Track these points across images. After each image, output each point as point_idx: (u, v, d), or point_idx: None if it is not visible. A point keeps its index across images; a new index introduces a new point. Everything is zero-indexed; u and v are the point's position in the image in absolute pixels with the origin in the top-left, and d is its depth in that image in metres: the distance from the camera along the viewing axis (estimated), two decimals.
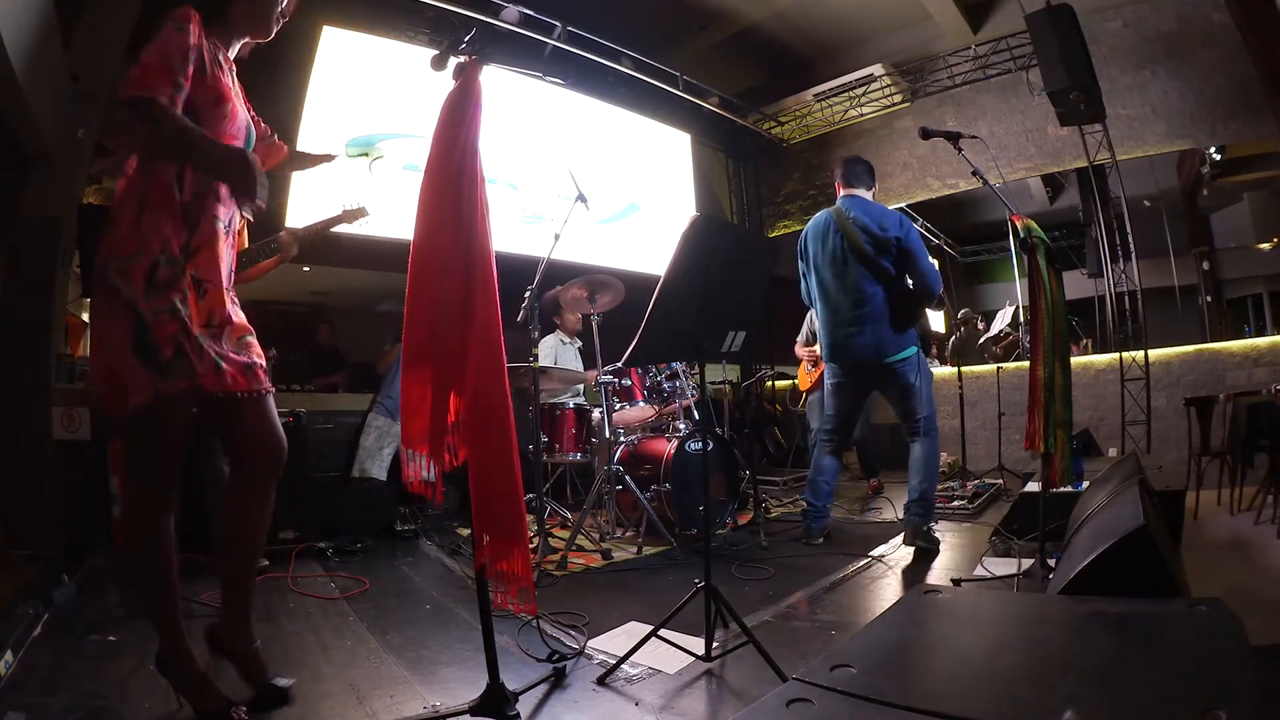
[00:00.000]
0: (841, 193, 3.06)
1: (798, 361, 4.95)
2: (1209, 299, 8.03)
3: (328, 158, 2.06)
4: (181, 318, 1.37)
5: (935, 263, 3.00)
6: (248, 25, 1.59)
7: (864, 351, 2.86)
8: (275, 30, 1.65)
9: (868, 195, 3.03)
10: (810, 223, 3.11)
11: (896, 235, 2.82)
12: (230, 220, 1.55)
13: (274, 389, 1.59)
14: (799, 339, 4.85)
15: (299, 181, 4.07)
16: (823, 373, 3.45)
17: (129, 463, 1.45)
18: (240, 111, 1.57)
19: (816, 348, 4.36)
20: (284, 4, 1.63)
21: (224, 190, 1.49)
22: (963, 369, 5.10)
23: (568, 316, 4.24)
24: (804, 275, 3.15)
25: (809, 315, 4.73)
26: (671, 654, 1.72)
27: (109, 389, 1.36)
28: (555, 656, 1.72)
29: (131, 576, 1.47)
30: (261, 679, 1.52)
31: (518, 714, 1.41)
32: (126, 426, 1.40)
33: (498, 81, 5.01)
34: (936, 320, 8.82)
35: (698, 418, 3.61)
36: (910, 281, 2.88)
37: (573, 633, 1.94)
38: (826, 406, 3.16)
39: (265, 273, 2.62)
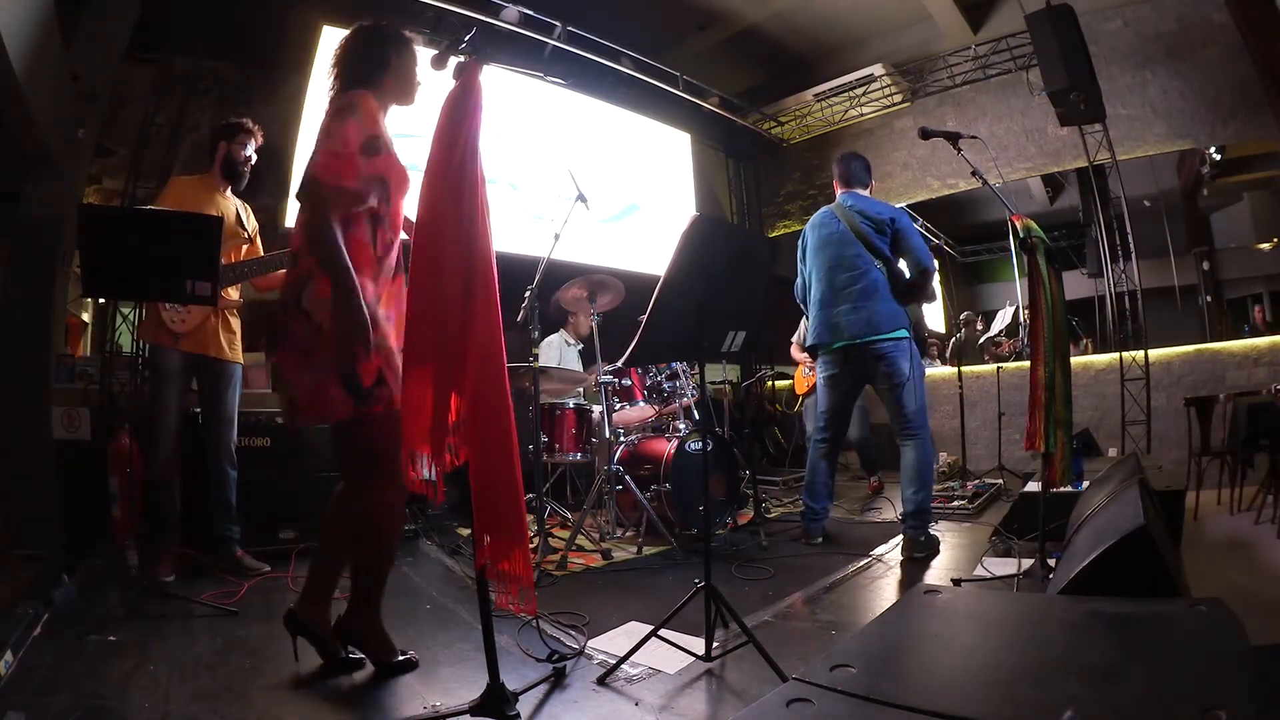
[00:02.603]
0: (840, 191, 3.13)
1: (795, 363, 4.94)
2: (1209, 299, 8.03)
3: None
4: (383, 353, 1.61)
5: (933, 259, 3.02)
6: (395, 94, 1.78)
7: (857, 327, 2.85)
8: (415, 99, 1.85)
9: (865, 193, 3.10)
10: (810, 219, 3.18)
11: (891, 216, 2.94)
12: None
13: None
14: (795, 338, 4.84)
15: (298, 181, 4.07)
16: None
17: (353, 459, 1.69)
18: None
19: None
20: (418, 75, 1.83)
21: (399, 244, 1.75)
22: (963, 369, 5.10)
23: (580, 320, 4.21)
24: (801, 270, 3.18)
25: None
26: (671, 654, 1.72)
27: (318, 404, 1.58)
28: (555, 656, 1.72)
29: (361, 553, 1.70)
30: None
31: (518, 714, 1.41)
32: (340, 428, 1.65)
33: (498, 81, 5.01)
34: (936, 319, 8.82)
35: (698, 418, 3.61)
36: (904, 263, 2.92)
37: (573, 633, 1.94)
38: (819, 403, 3.14)
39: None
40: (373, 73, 1.73)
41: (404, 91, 1.80)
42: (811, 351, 3.16)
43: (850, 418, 3.24)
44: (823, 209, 3.14)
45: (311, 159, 1.59)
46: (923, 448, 2.83)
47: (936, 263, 2.93)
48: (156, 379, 2.57)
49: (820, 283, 3.02)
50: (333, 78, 1.76)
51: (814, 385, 4.52)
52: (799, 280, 3.20)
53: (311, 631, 1.68)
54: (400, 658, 1.70)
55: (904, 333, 2.86)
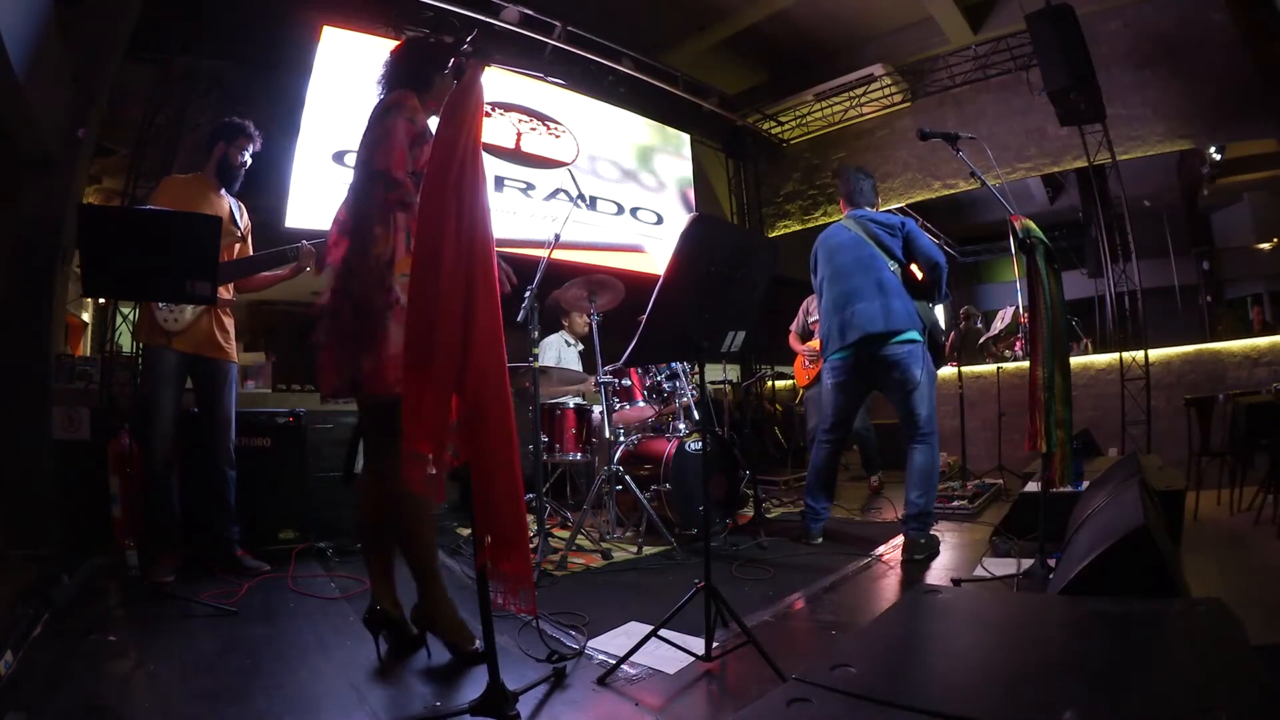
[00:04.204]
0: (846, 209, 3.18)
1: (794, 355, 4.94)
2: (1209, 299, 8.03)
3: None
4: None
5: None
6: (434, 107, 1.85)
7: (872, 322, 2.84)
8: None
9: (872, 211, 3.15)
10: (820, 236, 3.21)
11: (901, 221, 3.00)
12: None
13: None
14: (793, 328, 4.84)
15: (299, 181, 4.07)
16: (820, 369, 3.46)
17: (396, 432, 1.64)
18: None
19: (815, 343, 4.36)
20: None
21: None
22: (963, 369, 5.10)
23: (576, 319, 4.23)
24: (815, 283, 3.21)
25: (804, 305, 4.71)
26: (671, 654, 1.71)
27: (390, 373, 1.64)
28: (555, 656, 1.72)
29: (404, 533, 1.77)
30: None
31: (518, 714, 1.41)
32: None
33: (498, 82, 5.01)
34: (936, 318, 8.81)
35: (698, 418, 3.61)
36: (915, 267, 2.94)
37: (573, 633, 1.94)
38: (826, 405, 3.14)
39: (277, 281, 2.67)
40: (417, 87, 1.83)
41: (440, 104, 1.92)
42: (825, 358, 3.16)
43: (855, 419, 3.24)
44: (831, 225, 3.18)
45: (373, 152, 1.70)
46: (931, 453, 2.82)
47: (945, 260, 2.95)
48: (151, 379, 2.57)
49: (834, 286, 3.02)
50: (380, 86, 1.88)
51: (815, 377, 4.53)
52: (817, 292, 3.22)
53: (391, 620, 1.77)
54: (474, 646, 1.71)
55: (917, 335, 2.85)
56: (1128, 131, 5.19)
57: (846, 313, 2.94)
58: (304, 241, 2.60)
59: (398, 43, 1.96)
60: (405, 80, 1.84)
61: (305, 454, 3.14)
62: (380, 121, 1.73)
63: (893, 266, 2.90)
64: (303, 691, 1.58)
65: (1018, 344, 5.47)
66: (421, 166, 1.70)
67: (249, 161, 2.73)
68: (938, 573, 2.60)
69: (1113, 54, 5.19)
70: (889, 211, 3.27)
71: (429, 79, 1.85)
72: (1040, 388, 2.29)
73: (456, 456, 1.41)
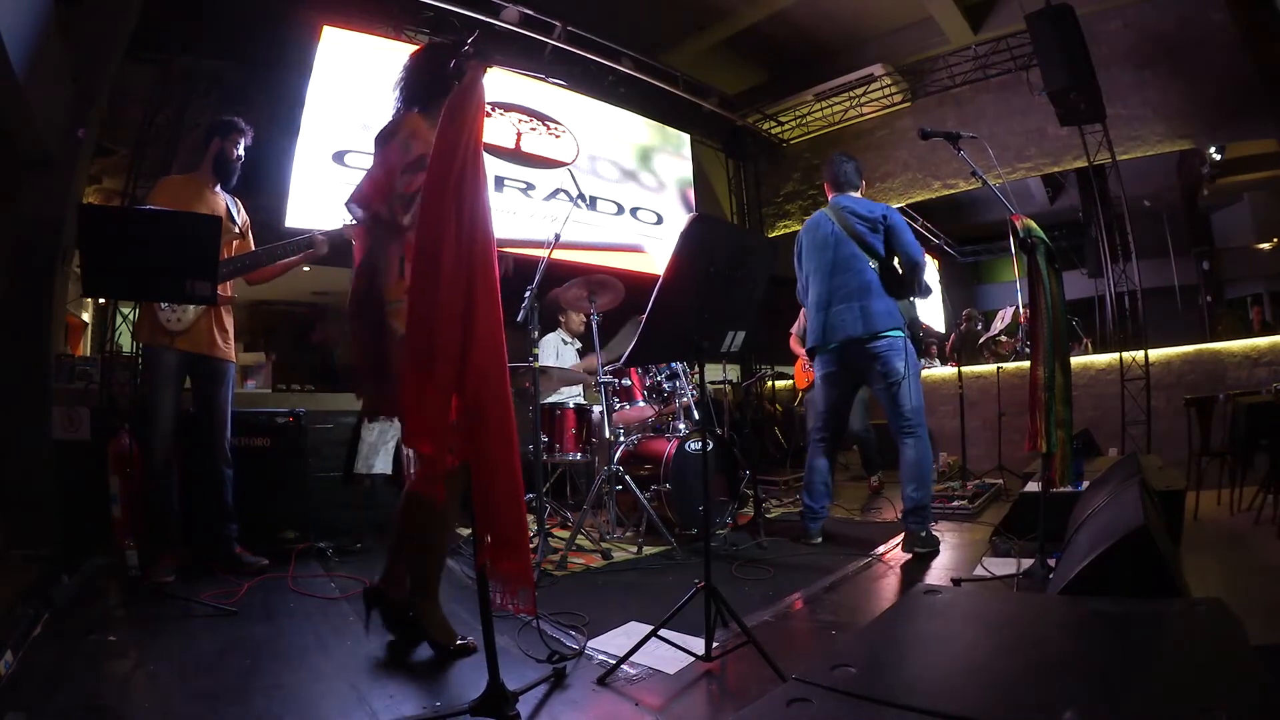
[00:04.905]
0: (831, 195, 3.19)
1: (794, 359, 4.94)
2: (1209, 299, 8.03)
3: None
4: None
5: (928, 257, 3.04)
6: None
7: (852, 325, 2.88)
8: None
9: (856, 195, 3.15)
10: (805, 222, 3.22)
11: (883, 214, 2.98)
12: None
13: None
14: (794, 330, 4.85)
15: (299, 181, 4.07)
16: None
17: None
18: None
19: None
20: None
21: None
22: (963, 369, 5.10)
23: (572, 317, 4.24)
24: (799, 273, 3.23)
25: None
26: (671, 654, 1.71)
27: (386, 399, 1.72)
28: (555, 657, 1.72)
29: (415, 532, 1.81)
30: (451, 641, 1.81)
31: (518, 714, 1.41)
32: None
33: (498, 82, 5.01)
34: (936, 320, 8.82)
35: (698, 418, 3.61)
36: (896, 259, 2.95)
37: (573, 633, 1.94)
38: (818, 401, 3.17)
39: (287, 269, 2.70)
40: (433, 96, 1.78)
41: None
42: (810, 353, 3.18)
43: (849, 415, 3.26)
44: (816, 212, 3.19)
45: (365, 180, 1.75)
46: (921, 445, 2.84)
47: (928, 258, 2.96)
48: (152, 379, 2.58)
49: (817, 285, 3.06)
50: (396, 93, 1.87)
51: (814, 380, 4.54)
52: (800, 282, 3.23)
53: (387, 603, 1.82)
54: (455, 644, 1.78)
55: (899, 332, 2.87)
56: (1128, 131, 5.19)
57: (828, 314, 2.97)
58: (315, 232, 2.62)
59: (417, 48, 1.94)
60: (419, 92, 1.82)
61: (305, 454, 3.14)
62: (377, 150, 1.76)
63: (873, 264, 2.92)
64: (303, 691, 1.58)
65: (1017, 342, 5.47)
66: (414, 191, 1.69)
67: (243, 155, 2.76)
68: (938, 573, 2.60)
69: (1113, 54, 5.19)
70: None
71: (445, 90, 1.78)
72: (1040, 388, 2.29)
73: (457, 456, 1.41)
